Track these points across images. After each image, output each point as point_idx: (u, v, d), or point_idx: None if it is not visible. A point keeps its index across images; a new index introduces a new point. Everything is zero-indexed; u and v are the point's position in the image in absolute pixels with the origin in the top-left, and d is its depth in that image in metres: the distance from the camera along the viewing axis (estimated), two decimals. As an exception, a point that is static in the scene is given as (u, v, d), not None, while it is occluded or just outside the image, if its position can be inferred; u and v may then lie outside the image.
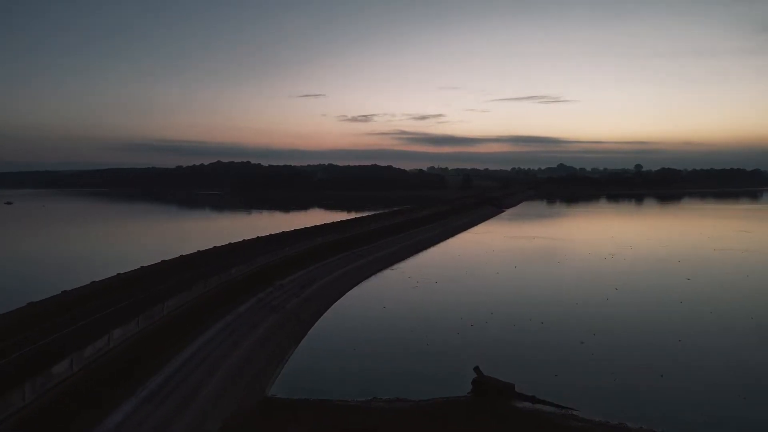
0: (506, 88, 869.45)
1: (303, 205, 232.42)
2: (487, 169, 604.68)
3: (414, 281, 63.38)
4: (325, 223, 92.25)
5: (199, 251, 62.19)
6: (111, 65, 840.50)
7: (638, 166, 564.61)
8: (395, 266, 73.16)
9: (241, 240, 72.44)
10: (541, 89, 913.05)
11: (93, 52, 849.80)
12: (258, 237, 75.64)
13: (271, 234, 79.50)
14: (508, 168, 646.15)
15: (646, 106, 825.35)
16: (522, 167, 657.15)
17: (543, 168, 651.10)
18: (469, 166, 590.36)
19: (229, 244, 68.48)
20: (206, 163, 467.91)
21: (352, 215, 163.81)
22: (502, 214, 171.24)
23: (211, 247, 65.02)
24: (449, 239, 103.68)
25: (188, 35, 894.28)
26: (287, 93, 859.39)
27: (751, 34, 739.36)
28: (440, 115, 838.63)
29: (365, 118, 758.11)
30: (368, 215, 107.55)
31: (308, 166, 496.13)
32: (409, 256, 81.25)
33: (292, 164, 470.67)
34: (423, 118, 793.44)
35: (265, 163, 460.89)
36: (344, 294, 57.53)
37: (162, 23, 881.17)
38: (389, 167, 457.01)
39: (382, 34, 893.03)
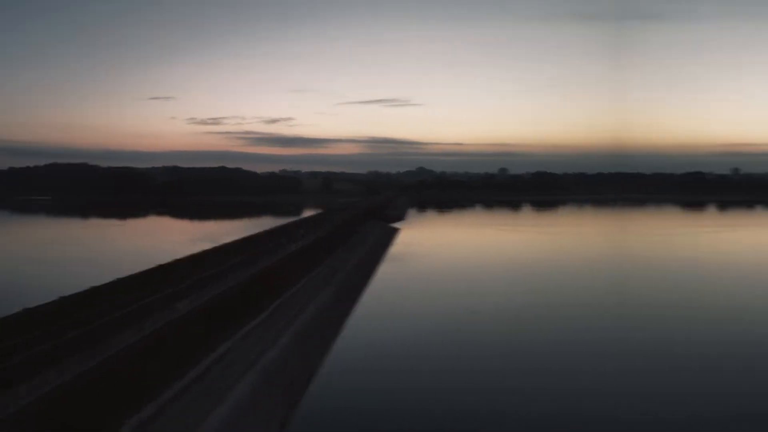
0: (355, 91, 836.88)
1: (138, 211, 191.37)
2: (344, 171, 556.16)
3: None
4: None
5: None
6: None
7: (503, 170, 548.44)
8: None
9: None
10: (390, 92, 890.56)
11: None
12: None
13: None
14: (365, 171, 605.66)
15: (507, 108, 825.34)
16: (380, 170, 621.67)
17: (402, 171, 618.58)
18: (324, 169, 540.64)
19: None
20: (41, 164, 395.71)
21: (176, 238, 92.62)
22: (398, 232, 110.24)
23: None
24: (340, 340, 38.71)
25: (22, 25, 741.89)
26: (134, 95, 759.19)
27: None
28: (290, 118, 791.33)
29: (215, 121, 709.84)
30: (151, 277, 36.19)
31: (152, 168, 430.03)
32: None
33: (135, 166, 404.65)
34: (273, 121, 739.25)
35: (104, 164, 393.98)
36: None
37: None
38: (238, 169, 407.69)
39: (231, 35, 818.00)
